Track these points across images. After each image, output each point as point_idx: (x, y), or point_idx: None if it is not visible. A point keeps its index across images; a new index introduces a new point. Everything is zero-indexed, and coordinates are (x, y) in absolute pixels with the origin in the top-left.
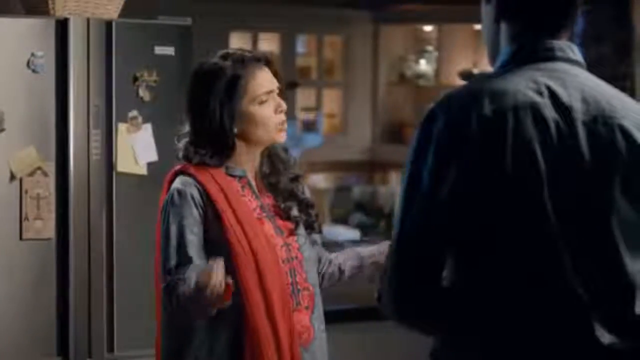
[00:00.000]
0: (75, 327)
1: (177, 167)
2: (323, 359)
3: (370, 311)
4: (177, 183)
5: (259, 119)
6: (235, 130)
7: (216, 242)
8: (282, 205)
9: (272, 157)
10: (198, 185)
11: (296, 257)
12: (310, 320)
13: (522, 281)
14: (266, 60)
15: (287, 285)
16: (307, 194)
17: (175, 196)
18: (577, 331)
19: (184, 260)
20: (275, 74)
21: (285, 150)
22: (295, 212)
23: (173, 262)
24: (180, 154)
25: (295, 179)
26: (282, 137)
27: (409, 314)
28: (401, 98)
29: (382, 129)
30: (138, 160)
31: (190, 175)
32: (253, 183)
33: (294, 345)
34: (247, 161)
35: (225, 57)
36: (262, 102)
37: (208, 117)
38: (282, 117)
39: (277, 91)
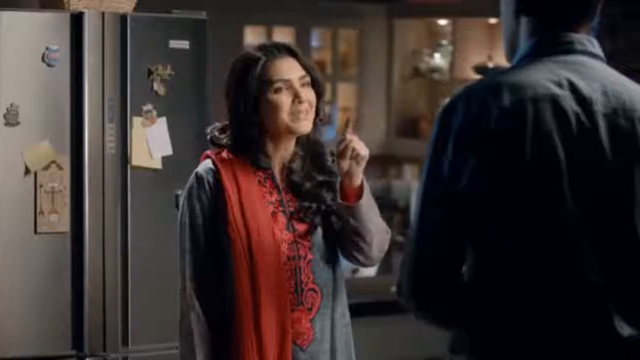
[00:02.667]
0: (90, 321)
1: (208, 151)
2: (341, 353)
3: (387, 305)
4: (199, 167)
5: (273, 106)
6: (256, 119)
7: (221, 228)
8: (302, 206)
9: (307, 158)
10: (215, 171)
11: (304, 257)
12: (312, 322)
13: (541, 273)
14: (289, 51)
15: (287, 283)
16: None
17: (194, 181)
18: (596, 323)
19: (195, 244)
20: (305, 67)
21: (332, 153)
22: (312, 216)
23: (187, 244)
24: (208, 137)
25: (325, 184)
26: (301, 126)
27: (427, 306)
28: (415, 92)
29: (397, 123)
30: (153, 154)
31: (212, 160)
32: (277, 177)
33: (286, 345)
34: (275, 153)
35: (255, 47)
36: (277, 90)
37: (230, 102)
38: (301, 106)
39: (298, 82)
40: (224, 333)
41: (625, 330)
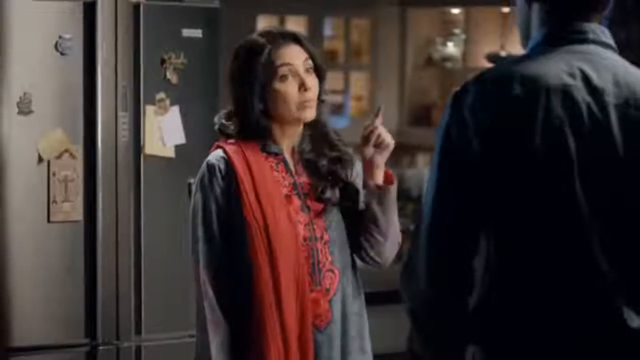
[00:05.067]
0: (103, 309)
1: (220, 141)
2: (352, 338)
3: (390, 294)
4: (210, 157)
5: (280, 95)
6: (261, 106)
7: (236, 215)
8: (316, 185)
9: (316, 137)
10: (227, 159)
11: (321, 238)
12: (330, 303)
13: (551, 265)
14: (294, 38)
15: (305, 264)
16: (356, 178)
17: (205, 170)
18: (605, 314)
19: (208, 233)
20: (309, 53)
21: (336, 132)
22: (329, 193)
23: (200, 233)
24: (216, 127)
25: (338, 160)
26: (307, 115)
27: (441, 279)
28: (428, 81)
29: (409, 112)
30: (165, 142)
31: (223, 149)
32: (289, 160)
33: (305, 325)
34: (283, 139)
35: (260, 33)
36: (283, 78)
37: (235, 89)
38: (307, 95)
39: (302, 68)
40: (239, 320)
41: (635, 321)
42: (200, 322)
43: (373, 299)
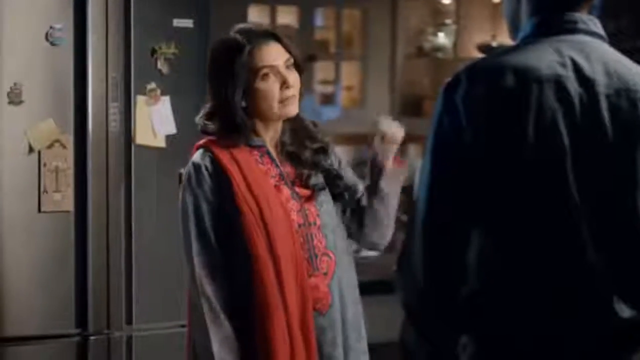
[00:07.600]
0: (94, 299)
1: (200, 141)
2: (350, 325)
3: (390, 284)
4: (195, 157)
5: (261, 93)
6: (243, 104)
7: (230, 209)
8: (301, 173)
9: (296, 130)
10: (212, 156)
11: (314, 223)
12: (329, 286)
13: (542, 254)
14: (273, 36)
15: (302, 250)
16: (337, 164)
17: (191, 170)
18: (596, 305)
19: (202, 233)
20: (288, 50)
21: (314, 124)
22: (314, 180)
23: (192, 231)
24: (199, 127)
25: (320, 150)
26: (289, 111)
27: (439, 273)
28: (419, 71)
29: (401, 102)
30: (156, 132)
31: (206, 147)
32: (273, 152)
33: (307, 311)
34: (266, 133)
35: (237, 31)
36: (264, 77)
37: (215, 88)
38: (289, 92)
39: (283, 66)
40: (238, 316)
41: (625, 312)
42: (197, 323)
43: (366, 289)
